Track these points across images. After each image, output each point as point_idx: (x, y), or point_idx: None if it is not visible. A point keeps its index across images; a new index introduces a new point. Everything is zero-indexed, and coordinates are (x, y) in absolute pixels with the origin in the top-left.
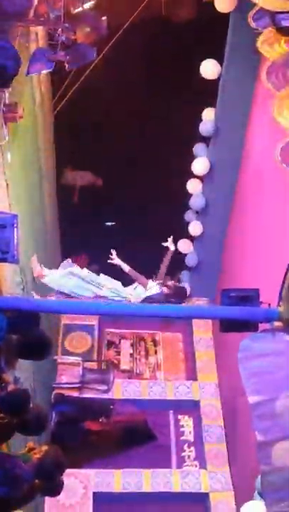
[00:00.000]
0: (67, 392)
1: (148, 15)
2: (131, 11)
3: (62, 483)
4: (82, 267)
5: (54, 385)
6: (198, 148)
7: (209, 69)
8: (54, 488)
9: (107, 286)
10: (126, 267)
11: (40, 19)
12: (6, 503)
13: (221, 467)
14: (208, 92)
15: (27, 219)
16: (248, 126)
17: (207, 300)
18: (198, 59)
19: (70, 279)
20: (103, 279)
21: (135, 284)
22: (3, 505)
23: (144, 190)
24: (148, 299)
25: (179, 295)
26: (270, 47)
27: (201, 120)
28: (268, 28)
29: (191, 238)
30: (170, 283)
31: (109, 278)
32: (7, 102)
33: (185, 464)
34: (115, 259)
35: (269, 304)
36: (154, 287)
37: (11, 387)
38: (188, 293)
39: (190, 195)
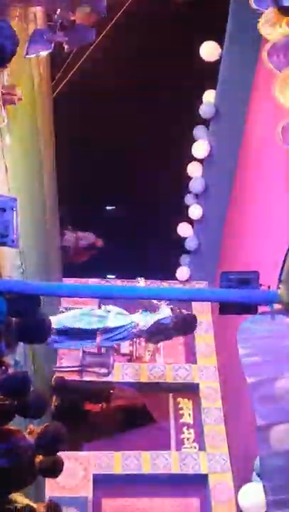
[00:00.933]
0: (67, 376)
1: None
2: None
3: (62, 463)
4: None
5: (54, 369)
6: (199, 130)
7: (209, 51)
8: (54, 468)
9: (114, 312)
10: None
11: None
12: (8, 479)
13: (219, 449)
14: (208, 74)
15: (26, 202)
16: (248, 108)
17: (207, 283)
18: (198, 40)
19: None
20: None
21: (141, 310)
22: (4, 482)
23: (144, 173)
24: (157, 324)
25: (188, 325)
26: (272, 28)
27: (201, 102)
28: (269, 8)
29: (191, 221)
30: (182, 311)
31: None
32: (5, 83)
33: (184, 446)
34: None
35: (269, 287)
36: (164, 309)
37: (10, 370)
38: (196, 324)
39: (190, 179)
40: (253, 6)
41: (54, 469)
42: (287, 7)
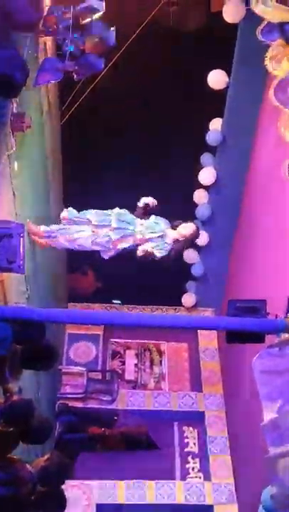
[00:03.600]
0: (71, 403)
1: (156, 25)
2: (139, 21)
3: (65, 500)
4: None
5: (58, 395)
6: (205, 158)
7: (216, 79)
8: (57, 503)
9: (115, 213)
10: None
11: (49, 30)
12: (5, 510)
13: (225, 479)
14: (215, 102)
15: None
16: (254, 137)
17: (213, 310)
18: (206, 69)
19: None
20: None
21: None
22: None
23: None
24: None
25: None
26: (278, 64)
27: (208, 130)
28: (276, 42)
29: (197, 248)
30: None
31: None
32: (15, 111)
33: (189, 475)
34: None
35: (276, 315)
36: (160, 223)
37: (15, 397)
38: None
39: (196, 205)
40: (260, 38)
41: (57, 504)
42: None
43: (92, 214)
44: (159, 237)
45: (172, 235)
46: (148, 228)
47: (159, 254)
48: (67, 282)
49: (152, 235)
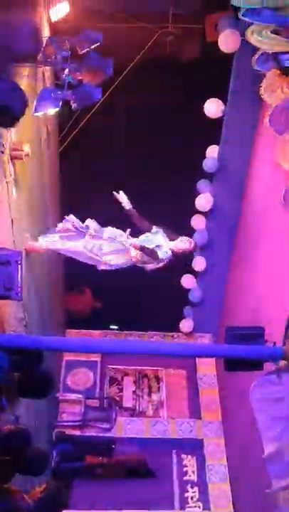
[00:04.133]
0: (69, 431)
1: (153, 55)
2: (136, 51)
3: None
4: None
5: (56, 423)
6: (202, 184)
7: (212, 108)
8: None
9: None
10: (128, 205)
11: (47, 60)
12: None
13: (225, 509)
14: (212, 130)
15: (30, 257)
16: (250, 164)
17: (211, 336)
18: (202, 97)
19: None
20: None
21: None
22: None
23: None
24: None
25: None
26: (273, 93)
27: (204, 157)
28: (272, 69)
29: (195, 273)
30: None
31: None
32: (13, 140)
33: (188, 505)
34: (121, 195)
35: (274, 343)
36: (158, 235)
37: (10, 427)
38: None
39: (194, 231)
40: (256, 67)
41: None
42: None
43: (91, 222)
44: (156, 246)
45: (169, 246)
46: (144, 241)
47: (160, 255)
48: (64, 303)
49: (148, 245)
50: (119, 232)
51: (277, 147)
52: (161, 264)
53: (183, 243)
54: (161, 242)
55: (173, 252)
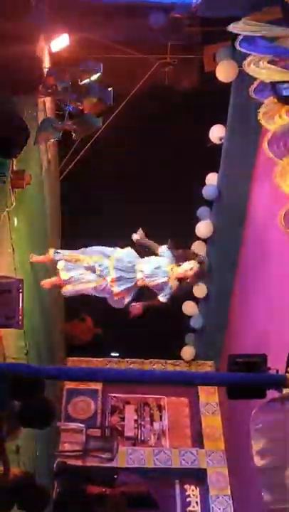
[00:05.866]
0: (70, 461)
1: (152, 85)
2: (135, 82)
3: None
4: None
5: (56, 453)
6: (202, 211)
7: (219, 132)
8: None
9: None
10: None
11: (48, 90)
12: None
13: None
14: (210, 158)
15: (32, 281)
16: (250, 190)
17: (213, 363)
18: (201, 126)
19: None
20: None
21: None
22: None
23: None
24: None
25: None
26: (271, 119)
27: (204, 184)
28: (269, 98)
29: (196, 300)
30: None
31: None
32: (14, 169)
33: None
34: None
35: (277, 370)
36: (166, 254)
37: (14, 472)
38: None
39: None
40: (253, 96)
41: None
42: (286, 96)
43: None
44: (162, 283)
45: (176, 273)
46: (149, 277)
47: (163, 299)
48: (65, 331)
49: (154, 282)
50: (122, 259)
51: (276, 172)
52: (165, 299)
53: (191, 265)
54: (167, 274)
55: (182, 278)
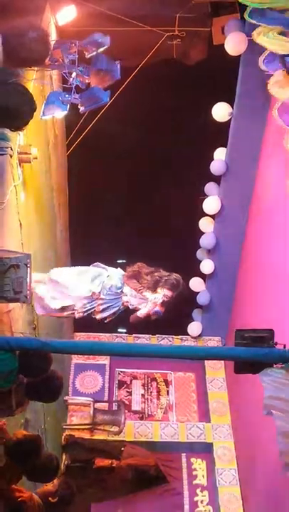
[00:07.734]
0: (78, 434)
1: (160, 58)
2: (143, 54)
3: None
4: None
5: (65, 426)
6: (210, 187)
7: (220, 112)
8: None
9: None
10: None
11: (55, 63)
12: None
13: None
14: (219, 132)
15: (40, 258)
16: (258, 164)
17: (220, 339)
18: (209, 100)
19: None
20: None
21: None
22: None
23: (156, 229)
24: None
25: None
26: (281, 89)
27: (212, 159)
28: (279, 70)
29: (203, 276)
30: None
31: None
32: (21, 143)
33: (198, 509)
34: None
35: (284, 345)
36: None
37: (22, 433)
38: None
39: (202, 234)
40: (262, 67)
41: None
42: None
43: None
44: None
45: (157, 298)
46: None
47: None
48: None
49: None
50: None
51: (286, 138)
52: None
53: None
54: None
55: (164, 301)
